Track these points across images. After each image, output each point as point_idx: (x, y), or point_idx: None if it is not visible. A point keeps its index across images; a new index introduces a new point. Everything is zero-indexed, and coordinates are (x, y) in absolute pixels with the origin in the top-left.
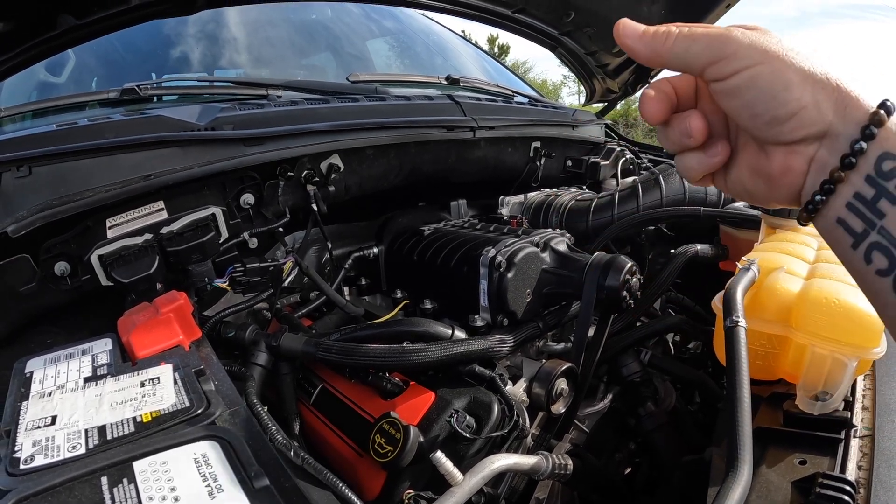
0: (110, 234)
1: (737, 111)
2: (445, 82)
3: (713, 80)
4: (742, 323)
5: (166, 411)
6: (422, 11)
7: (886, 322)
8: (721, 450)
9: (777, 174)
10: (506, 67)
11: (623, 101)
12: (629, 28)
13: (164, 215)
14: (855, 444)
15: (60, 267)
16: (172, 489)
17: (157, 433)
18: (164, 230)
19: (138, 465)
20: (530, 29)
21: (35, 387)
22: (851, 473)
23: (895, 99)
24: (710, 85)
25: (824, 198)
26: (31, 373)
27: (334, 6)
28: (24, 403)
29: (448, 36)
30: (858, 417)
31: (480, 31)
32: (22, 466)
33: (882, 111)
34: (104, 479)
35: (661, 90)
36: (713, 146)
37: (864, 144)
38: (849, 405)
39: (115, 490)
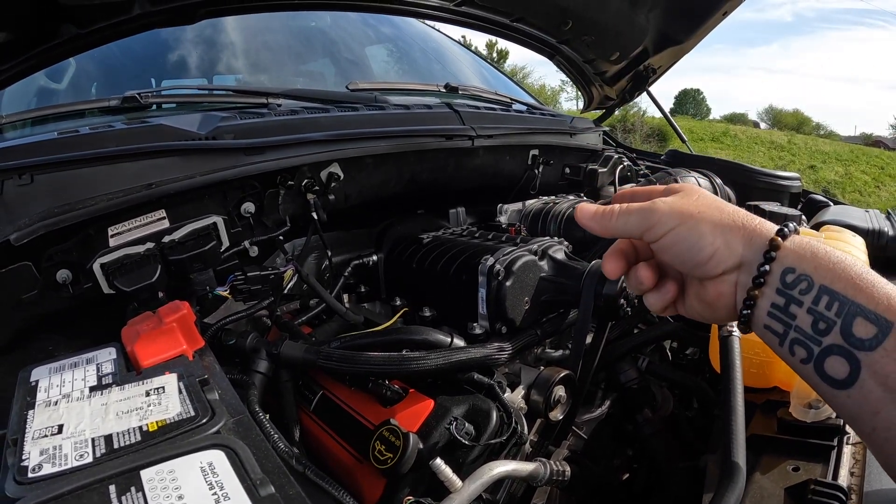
0: (112, 242)
1: (671, 261)
2: (444, 90)
3: (650, 242)
4: (736, 332)
5: (172, 420)
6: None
7: (822, 396)
8: (716, 457)
9: (714, 300)
10: (504, 74)
11: (621, 108)
12: (584, 210)
13: (166, 224)
14: (847, 450)
15: (62, 275)
16: (180, 497)
17: (163, 442)
18: (166, 239)
19: (146, 474)
20: (529, 37)
21: (41, 396)
22: (844, 480)
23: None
24: (650, 245)
25: (749, 311)
26: (37, 382)
27: (333, 13)
28: (31, 412)
29: (446, 42)
30: None
31: (479, 37)
32: (30, 475)
33: (779, 237)
34: (112, 488)
35: (618, 249)
36: (664, 286)
37: (767, 267)
38: None
39: (123, 498)
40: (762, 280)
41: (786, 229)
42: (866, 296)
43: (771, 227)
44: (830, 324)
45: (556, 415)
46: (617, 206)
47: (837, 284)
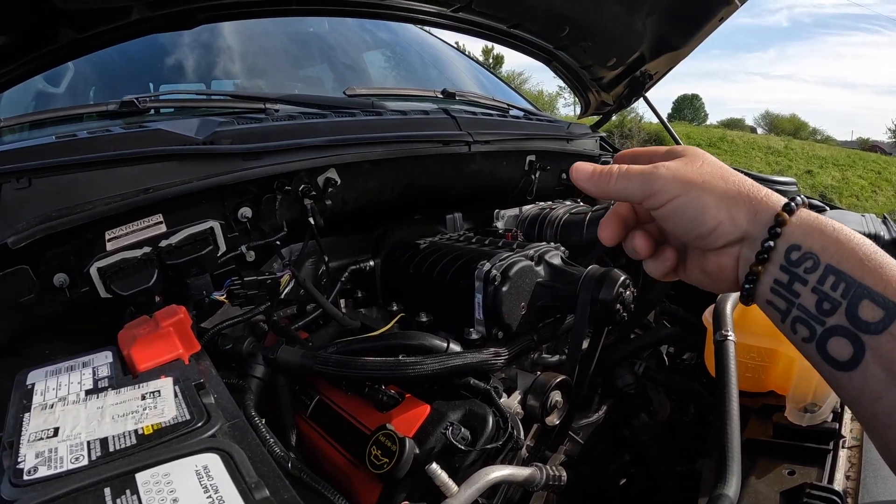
0: (109, 246)
1: (672, 230)
2: (441, 96)
3: (650, 209)
4: (731, 337)
5: (167, 424)
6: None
7: (823, 376)
8: (711, 461)
9: (715, 271)
10: (500, 79)
11: (618, 113)
12: (581, 170)
13: (163, 228)
14: (843, 454)
15: (59, 278)
16: (175, 500)
17: (158, 445)
18: (163, 243)
19: (141, 477)
20: (526, 43)
21: (37, 399)
22: (839, 483)
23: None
24: (651, 211)
25: (752, 286)
26: (33, 385)
27: (331, 18)
28: (27, 415)
29: (442, 48)
30: (847, 428)
31: (475, 42)
32: (26, 477)
33: (784, 213)
34: (107, 491)
35: (616, 214)
36: (662, 253)
37: (771, 243)
38: (837, 416)
39: (118, 501)
40: (766, 256)
41: (793, 203)
42: (875, 277)
43: (778, 200)
44: (835, 305)
45: (553, 420)
46: (616, 167)
47: (845, 264)
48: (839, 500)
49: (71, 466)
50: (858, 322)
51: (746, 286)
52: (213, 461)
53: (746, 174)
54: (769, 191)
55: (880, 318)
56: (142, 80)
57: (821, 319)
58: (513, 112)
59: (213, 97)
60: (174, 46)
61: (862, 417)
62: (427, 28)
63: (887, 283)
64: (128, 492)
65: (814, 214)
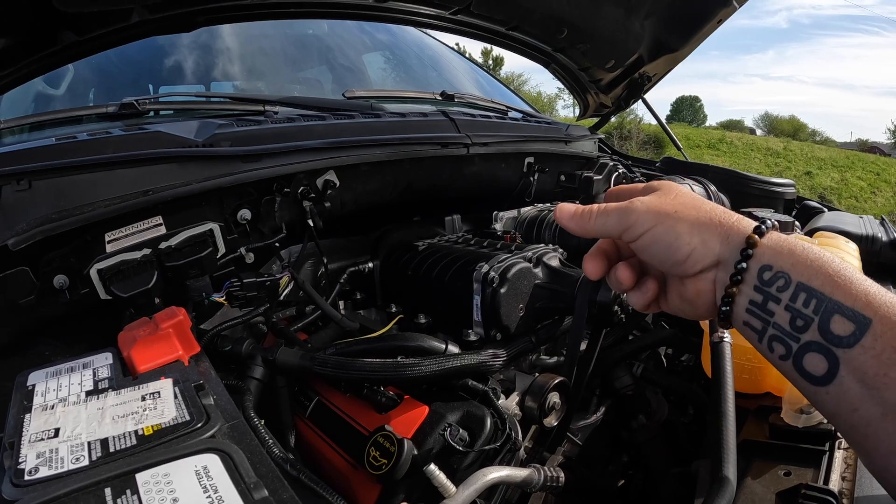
0: (109, 248)
1: (650, 260)
2: (440, 98)
3: (629, 242)
4: (728, 338)
5: (167, 425)
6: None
7: (801, 392)
8: (707, 462)
9: (694, 297)
10: (499, 81)
11: (618, 115)
12: (564, 210)
13: (163, 230)
14: (839, 455)
15: (59, 280)
16: (175, 500)
17: (158, 446)
18: (163, 245)
19: (141, 477)
20: (524, 45)
21: (37, 400)
22: (835, 485)
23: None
24: (630, 244)
25: (728, 308)
26: (34, 386)
27: (330, 21)
28: (27, 416)
29: (442, 49)
30: None
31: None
32: (27, 478)
33: (756, 235)
34: (108, 491)
35: (599, 249)
36: (644, 284)
37: (744, 264)
38: None
39: (118, 501)
40: (739, 277)
41: (763, 227)
42: (844, 292)
43: (748, 225)
44: (808, 321)
45: (551, 421)
46: (595, 206)
47: (815, 281)
48: (835, 501)
49: (72, 467)
50: (831, 336)
51: (723, 308)
52: (212, 461)
53: (745, 177)
54: (739, 216)
55: (851, 331)
56: (142, 82)
57: (795, 336)
58: (511, 114)
59: (212, 100)
60: (174, 49)
61: (842, 430)
62: (426, 30)
63: (856, 297)
64: (128, 492)
65: (783, 236)
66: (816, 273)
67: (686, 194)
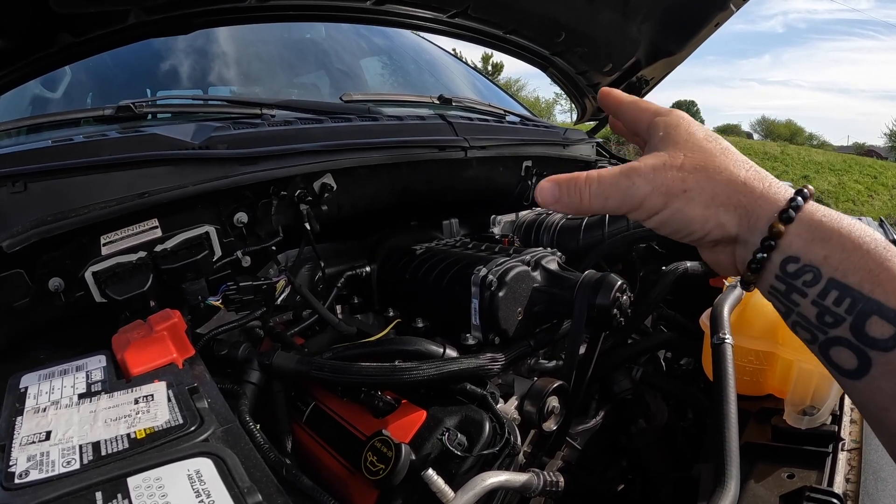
0: (104, 251)
1: (664, 234)
2: (438, 102)
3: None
4: (729, 340)
5: (160, 428)
6: (414, 31)
7: (832, 376)
8: (709, 466)
9: (712, 262)
10: (497, 86)
11: None
12: (545, 192)
13: (158, 233)
14: (843, 457)
15: (54, 283)
16: None
17: (150, 450)
18: (158, 248)
19: (132, 481)
20: (522, 49)
21: (29, 402)
22: (839, 486)
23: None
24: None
25: (751, 285)
26: (26, 388)
27: (327, 24)
28: (19, 419)
29: (439, 54)
30: (846, 431)
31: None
32: (17, 481)
33: (780, 224)
34: (99, 495)
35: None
36: None
37: (764, 255)
38: (836, 419)
39: None
40: (758, 265)
41: (791, 209)
42: (885, 291)
43: (774, 205)
44: (839, 319)
45: (550, 425)
46: (584, 178)
47: (851, 277)
48: (838, 503)
49: (62, 470)
50: (865, 338)
51: (746, 283)
52: (205, 466)
53: None
54: (769, 183)
55: (891, 334)
56: (139, 86)
57: (822, 329)
58: (509, 118)
59: (209, 103)
60: (172, 53)
61: (871, 423)
62: (424, 34)
63: None
64: (119, 496)
65: (820, 213)
66: (854, 267)
67: (698, 150)
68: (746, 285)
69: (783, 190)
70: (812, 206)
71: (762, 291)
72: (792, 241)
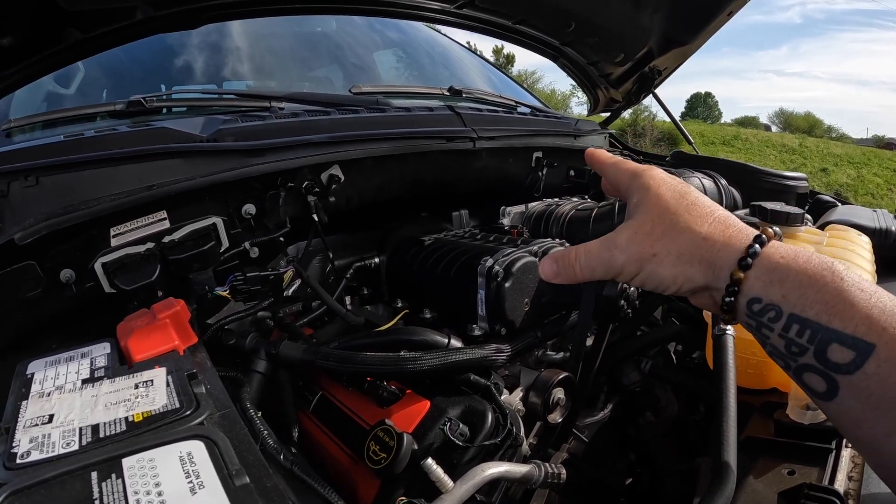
0: (114, 242)
1: (647, 290)
2: (447, 93)
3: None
4: (730, 331)
5: (157, 412)
6: (425, 23)
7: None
8: (709, 459)
9: (698, 305)
10: (510, 78)
11: (631, 111)
12: (546, 268)
13: (167, 225)
14: (846, 453)
15: (66, 274)
16: (157, 485)
17: (146, 432)
18: (166, 239)
19: (126, 462)
20: (532, 40)
21: (35, 387)
22: (841, 484)
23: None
24: None
25: (729, 322)
26: (32, 374)
27: (339, 17)
28: (24, 403)
29: (452, 46)
30: None
31: (486, 42)
32: (18, 461)
33: (740, 271)
34: (94, 474)
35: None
36: None
37: (731, 299)
38: None
39: (103, 484)
40: (728, 307)
41: (749, 259)
42: (843, 318)
43: (735, 254)
44: (803, 349)
45: (556, 417)
46: (573, 253)
47: (809, 311)
48: (838, 501)
49: (62, 451)
50: (829, 364)
51: (720, 325)
52: (197, 448)
53: (756, 170)
54: (731, 233)
55: (851, 359)
56: (152, 81)
57: (792, 357)
58: (520, 109)
59: (218, 96)
60: (185, 48)
61: (847, 438)
62: (437, 27)
63: (858, 322)
64: (113, 476)
65: (779, 254)
66: (812, 301)
67: (663, 214)
68: (726, 323)
69: (744, 237)
70: (771, 249)
71: (742, 326)
72: (752, 285)
